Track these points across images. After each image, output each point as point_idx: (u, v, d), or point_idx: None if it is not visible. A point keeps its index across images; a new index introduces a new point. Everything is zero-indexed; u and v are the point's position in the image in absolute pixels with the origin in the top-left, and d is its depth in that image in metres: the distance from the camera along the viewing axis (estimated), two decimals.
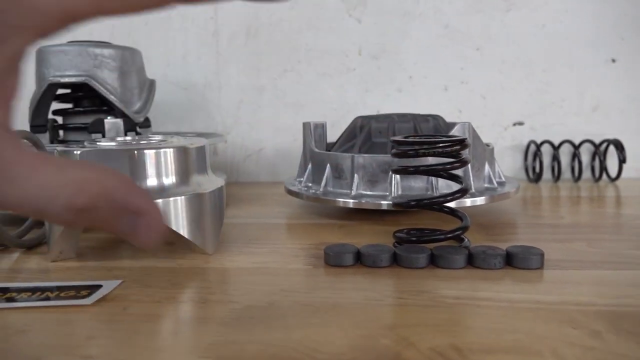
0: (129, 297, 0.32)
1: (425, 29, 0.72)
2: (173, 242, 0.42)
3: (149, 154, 0.38)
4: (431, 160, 0.45)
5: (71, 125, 0.58)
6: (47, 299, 0.31)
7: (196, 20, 0.74)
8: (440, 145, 0.38)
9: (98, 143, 0.40)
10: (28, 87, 0.55)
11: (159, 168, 0.38)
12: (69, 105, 0.60)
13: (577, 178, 0.71)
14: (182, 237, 0.39)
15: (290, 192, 0.54)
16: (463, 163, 0.38)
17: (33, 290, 0.33)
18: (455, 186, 0.41)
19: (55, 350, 0.25)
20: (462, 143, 0.38)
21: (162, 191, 0.38)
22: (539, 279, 0.34)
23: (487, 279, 0.34)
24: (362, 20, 0.72)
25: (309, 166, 0.54)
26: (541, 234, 0.45)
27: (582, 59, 0.74)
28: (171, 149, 0.39)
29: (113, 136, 0.56)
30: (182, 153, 0.39)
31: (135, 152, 0.37)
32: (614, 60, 0.73)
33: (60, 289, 0.33)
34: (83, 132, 0.57)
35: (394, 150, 0.41)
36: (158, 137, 0.43)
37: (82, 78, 0.54)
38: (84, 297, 0.31)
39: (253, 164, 0.76)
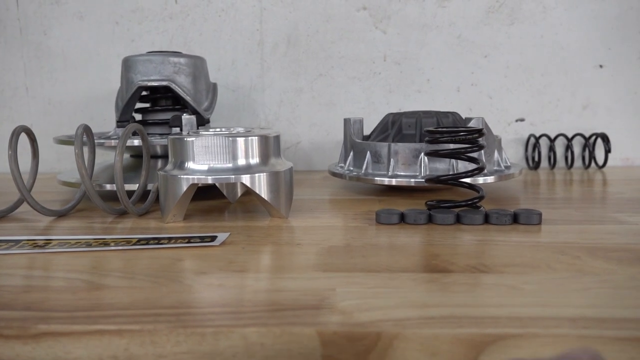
0: (241, 242, 0.44)
1: (440, 39, 0.85)
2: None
3: (240, 140, 0.50)
4: (453, 146, 0.58)
5: (150, 121, 0.70)
6: (184, 243, 0.43)
7: (244, 32, 0.86)
8: (464, 133, 0.50)
9: (202, 133, 0.52)
10: (111, 89, 0.67)
11: (247, 151, 0.51)
12: (147, 105, 0.72)
13: (570, 166, 0.84)
14: (265, 204, 0.51)
15: (335, 174, 0.66)
16: (480, 147, 0.50)
17: (169, 239, 0.45)
18: (472, 168, 0.53)
19: (212, 269, 0.37)
20: (480, 132, 0.50)
21: (249, 168, 0.50)
22: (538, 230, 0.46)
23: (500, 231, 0.46)
24: (387, 32, 0.85)
25: (351, 154, 0.66)
26: (539, 204, 0.57)
27: (574, 65, 0.86)
28: (256, 137, 0.51)
29: (189, 130, 0.68)
30: (264, 140, 0.52)
31: (233, 139, 0.50)
32: (601, 66, 0.86)
33: (188, 238, 0.45)
34: (161, 127, 0.69)
35: (427, 138, 0.53)
36: (241, 129, 0.55)
37: (165, 82, 0.66)
38: (209, 241, 0.44)
39: (291, 155, 0.89)
